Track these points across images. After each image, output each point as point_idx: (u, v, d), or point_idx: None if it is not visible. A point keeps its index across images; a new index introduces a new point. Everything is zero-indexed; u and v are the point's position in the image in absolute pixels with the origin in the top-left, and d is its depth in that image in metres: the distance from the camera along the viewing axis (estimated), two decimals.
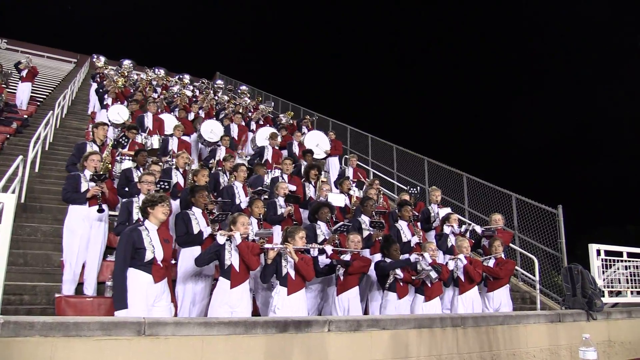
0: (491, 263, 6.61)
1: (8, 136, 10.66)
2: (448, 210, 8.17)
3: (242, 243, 4.90)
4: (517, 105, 42.73)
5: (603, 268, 6.85)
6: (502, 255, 6.76)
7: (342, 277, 5.66)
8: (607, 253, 6.87)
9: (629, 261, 7.16)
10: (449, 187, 11.10)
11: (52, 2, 51.82)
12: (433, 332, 4.67)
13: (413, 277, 5.89)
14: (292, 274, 5.09)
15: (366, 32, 59.59)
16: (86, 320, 3.27)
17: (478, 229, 7.84)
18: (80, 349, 3.16)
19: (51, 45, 26.24)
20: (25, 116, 12.39)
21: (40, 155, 9.34)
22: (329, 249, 5.62)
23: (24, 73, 13.33)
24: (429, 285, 5.96)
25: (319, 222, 6.53)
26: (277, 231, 6.71)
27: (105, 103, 11.68)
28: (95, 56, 18.11)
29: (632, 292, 7.19)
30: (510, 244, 9.22)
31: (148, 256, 4.21)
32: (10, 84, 13.87)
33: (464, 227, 7.73)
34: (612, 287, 6.99)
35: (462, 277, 6.29)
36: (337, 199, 7.29)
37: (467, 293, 6.23)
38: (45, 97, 15.37)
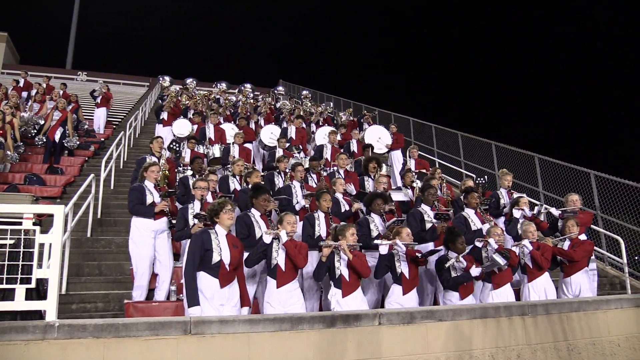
0: (566, 245, 6.09)
1: (87, 158, 11.53)
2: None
3: (289, 242, 4.85)
4: (586, 76, 39.56)
5: None
6: (583, 237, 6.21)
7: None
8: None
9: None
10: (521, 170, 10.47)
11: (125, 34, 56.00)
12: (498, 322, 4.36)
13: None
14: (346, 274, 4.95)
15: (424, 25, 58.49)
16: (134, 321, 3.38)
17: (554, 211, 7.25)
18: (130, 349, 3.28)
19: (125, 73, 28.29)
20: (102, 139, 13.33)
21: (114, 174, 9.97)
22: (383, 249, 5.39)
23: (98, 100, 14.31)
24: (497, 271, 5.59)
25: (372, 215, 6.29)
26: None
27: (161, 118, 12.26)
28: (161, 77, 19.16)
29: None
30: (593, 226, 8.49)
31: (215, 258, 4.29)
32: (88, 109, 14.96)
33: (536, 209, 7.19)
34: None
35: (529, 264, 5.81)
36: (398, 195, 6.94)
37: (537, 280, 5.71)
38: (120, 120, 16.42)
